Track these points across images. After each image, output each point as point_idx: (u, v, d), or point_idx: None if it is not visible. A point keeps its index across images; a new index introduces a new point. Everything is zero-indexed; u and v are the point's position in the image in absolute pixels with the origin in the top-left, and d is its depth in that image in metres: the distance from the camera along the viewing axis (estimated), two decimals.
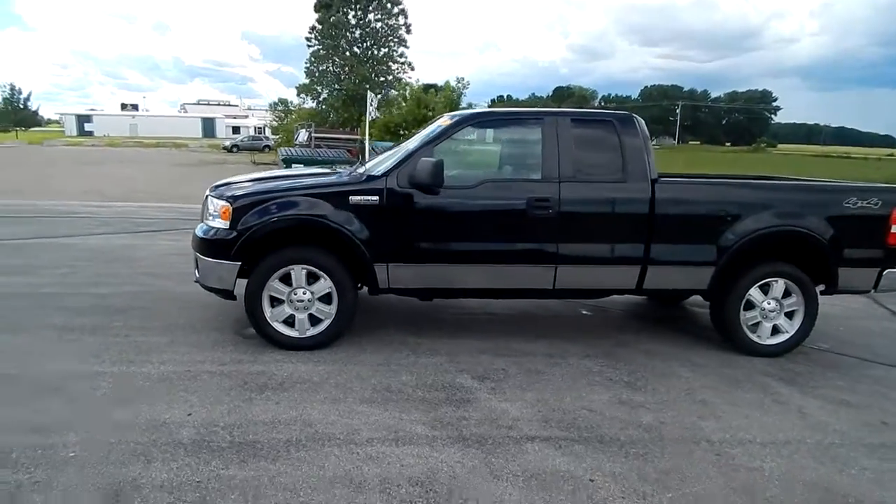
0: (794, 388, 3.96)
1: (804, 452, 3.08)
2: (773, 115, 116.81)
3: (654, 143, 4.73)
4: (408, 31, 43.19)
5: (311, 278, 4.15)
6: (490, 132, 4.72)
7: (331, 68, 41.02)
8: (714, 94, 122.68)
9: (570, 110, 4.46)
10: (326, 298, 4.18)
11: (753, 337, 4.52)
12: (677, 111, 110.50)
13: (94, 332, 4.40)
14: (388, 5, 41.94)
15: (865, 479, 2.86)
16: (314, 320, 4.21)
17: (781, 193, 4.59)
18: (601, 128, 4.45)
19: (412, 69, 42.41)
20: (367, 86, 28.09)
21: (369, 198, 4.12)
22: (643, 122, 4.50)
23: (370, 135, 19.44)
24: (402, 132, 18.63)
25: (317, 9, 42.22)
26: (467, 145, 4.62)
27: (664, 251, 4.37)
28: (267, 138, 49.01)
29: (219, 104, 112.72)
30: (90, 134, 77.81)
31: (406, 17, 42.90)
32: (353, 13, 41.76)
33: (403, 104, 18.67)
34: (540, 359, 4.25)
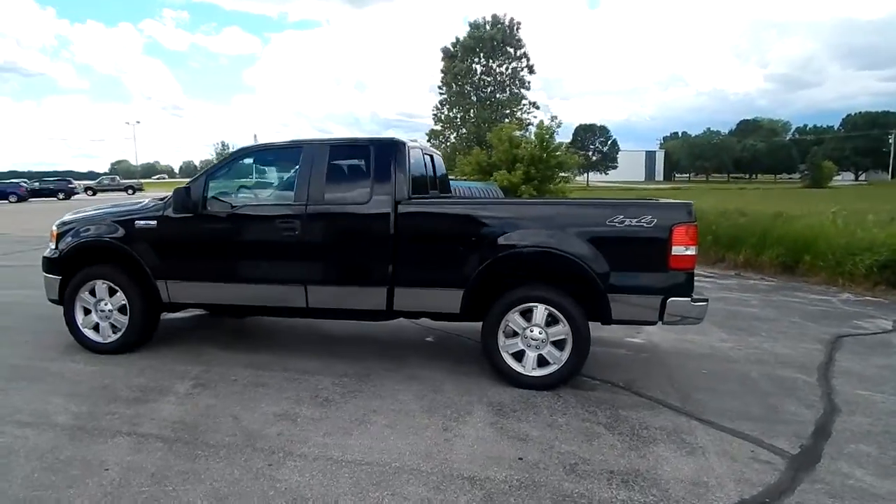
0: (495, 417, 3.66)
1: (336, 469, 2.98)
2: None
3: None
4: (530, 72, 44.40)
5: (113, 291, 4.83)
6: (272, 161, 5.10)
7: (457, 114, 43.07)
8: None
9: (331, 138, 4.64)
10: (123, 309, 4.83)
11: (517, 367, 4.20)
12: (890, 141, 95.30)
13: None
14: (511, 50, 43.21)
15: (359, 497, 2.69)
16: (115, 329, 4.87)
17: (530, 212, 4.27)
18: (356, 154, 4.61)
19: (536, 108, 43.16)
20: (489, 128, 28.93)
21: (149, 222, 4.73)
22: (405, 146, 4.51)
23: (465, 174, 20.06)
24: (493, 171, 18.99)
25: (444, 59, 45.09)
26: (256, 174, 5.04)
27: (410, 273, 4.31)
28: None
29: None
30: None
31: (528, 60, 44.31)
32: (477, 61, 43.65)
33: (500, 145, 19.03)
34: (288, 374, 4.39)
